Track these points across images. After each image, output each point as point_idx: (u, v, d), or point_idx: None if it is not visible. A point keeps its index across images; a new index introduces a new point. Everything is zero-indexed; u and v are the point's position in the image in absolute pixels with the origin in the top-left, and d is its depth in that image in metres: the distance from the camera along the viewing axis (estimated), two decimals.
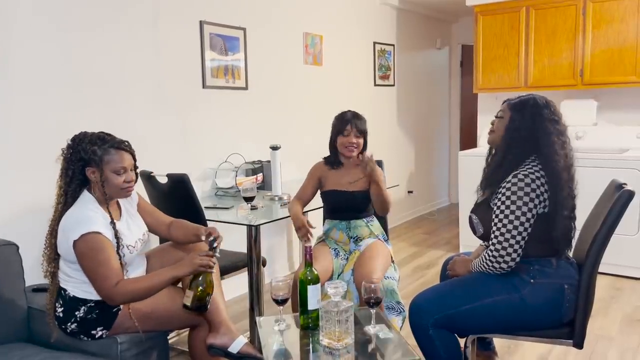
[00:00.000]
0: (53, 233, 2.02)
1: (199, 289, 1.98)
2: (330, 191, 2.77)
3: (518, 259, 1.99)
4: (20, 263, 2.23)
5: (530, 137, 2.03)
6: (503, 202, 1.98)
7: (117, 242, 2.01)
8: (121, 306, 2.03)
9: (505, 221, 1.96)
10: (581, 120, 4.49)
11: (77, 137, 2.03)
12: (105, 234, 1.97)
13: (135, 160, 2.10)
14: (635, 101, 4.50)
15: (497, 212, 1.99)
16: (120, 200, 2.17)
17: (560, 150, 2.00)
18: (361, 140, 2.72)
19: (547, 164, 1.99)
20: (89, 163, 1.99)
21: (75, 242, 1.92)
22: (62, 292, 2.04)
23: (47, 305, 2.07)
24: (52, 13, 2.74)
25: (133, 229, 2.16)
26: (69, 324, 2.01)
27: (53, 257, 2.03)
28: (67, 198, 2.00)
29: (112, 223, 2.02)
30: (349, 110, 2.76)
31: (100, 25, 2.97)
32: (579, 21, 4.36)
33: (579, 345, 2.05)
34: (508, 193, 1.97)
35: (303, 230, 2.61)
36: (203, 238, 2.19)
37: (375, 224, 2.80)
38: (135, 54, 3.17)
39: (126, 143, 2.07)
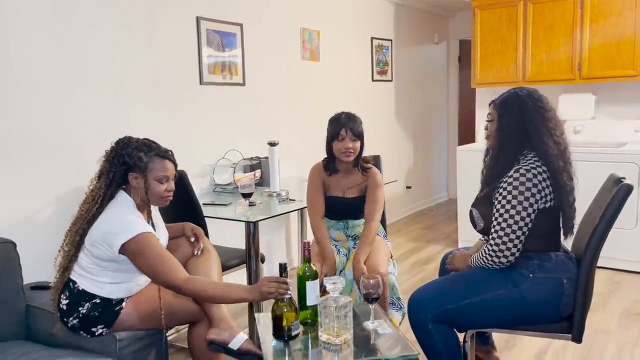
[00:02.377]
0: (79, 231, 2.00)
1: (280, 314, 1.91)
2: (331, 197, 2.74)
3: (517, 254, 1.99)
4: (18, 261, 2.22)
5: (520, 130, 2.03)
6: (504, 197, 1.97)
7: None
8: (123, 304, 2.03)
9: (505, 216, 1.96)
10: (579, 115, 4.48)
11: (121, 140, 2.06)
12: (153, 233, 2.01)
13: (176, 169, 2.13)
14: (633, 95, 4.50)
15: (498, 206, 1.99)
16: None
17: (548, 139, 2.00)
18: (357, 144, 2.63)
19: (541, 154, 2.00)
20: (132, 168, 2.01)
21: (124, 244, 1.92)
22: (71, 284, 2.04)
23: (51, 297, 2.07)
24: (46, 9, 2.73)
25: (161, 234, 2.19)
26: (71, 318, 2.01)
27: (73, 253, 2.03)
28: (103, 200, 2.00)
29: (153, 228, 2.06)
30: (343, 113, 2.67)
31: (94, 22, 2.95)
32: (577, 15, 4.35)
33: (577, 339, 2.05)
34: (510, 188, 1.96)
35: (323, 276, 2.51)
36: (189, 235, 2.31)
37: None
38: (131, 51, 3.15)
39: (170, 152, 2.10)
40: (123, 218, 1.97)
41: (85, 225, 1.99)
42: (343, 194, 2.71)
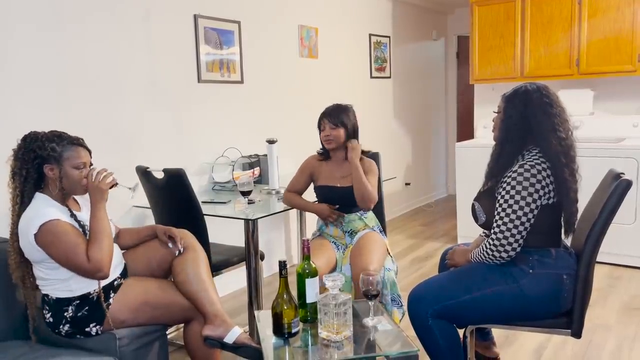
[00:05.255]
0: (14, 237, 1.99)
1: (279, 311, 1.92)
2: (322, 186, 2.78)
3: (518, 249, 1.99)
4: None
5: (524, 123, 2.03)
6: (508, 192, 1.97)
7: (83, 231, 2.01)
8: (111, 300, 2.03)
9: (508, 210, 1.96)
10: (578, 110, 4.48)
11: (28, 136, 2.01)
12: (64, 219, 1.95)
13: (91, 156, 2.09)
14: (632, 90, 4.50)
15: (501, 201, 1.99)
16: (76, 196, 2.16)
17: (551, 134, 1.99)
18: (338, 132, 2.69)
19: (544, 150, 2.00)
20: (47, 160, 1.97)
21: (35, 235, 1.90)
22: (45, 297, 2.03)
23: (28, 309, 2.06)
24: (42, 7, 2.72)
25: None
26: (61, 326, 2.00)
27: (19, 260, 2.00)
28: (23, 198, 1.97)
29: (73, 215, 2.02)
30: (333, 104, 2.77)
31: (91, 20, 2.95)
32: (575, 10, 4.35)
33: (577, 334, 2.05)
34: (513, 183, 1.96)
35: (334, 216, 2.69)
36: (163, 240, 2.22)
37: (369, 215, 2.79)
38: (128, 49, 3.15)
39: (82, 139, 2.07)
40: (32, 212, 1.93)
41: (16, 229, 1.96)
42: (339, 184, 2.73)
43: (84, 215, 2.09)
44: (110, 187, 2.05)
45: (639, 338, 2.90)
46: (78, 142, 2.04)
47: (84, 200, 2.18)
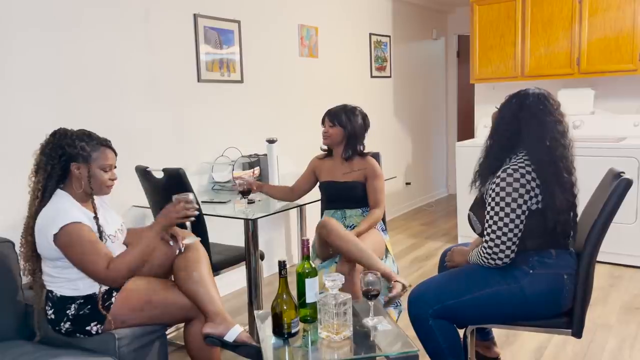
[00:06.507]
0: (29, 230, 1.99)
1: (279, 311, 1.92)
2: (325, 182, 2.83)
3: (513, 255, 1.97)
4: (16, 260, 2.21)
5: (514, 125, 2.01)
6: (493, 199, 1.96)
7: (100, 235, 2.02)
8: (113, 300, 2.03)
9: (495, 218, 1.95)
10: (578, 109, 4.48)
11: (58, 132, 2.02)
12: (85, 222, 1.96)
13: (116, 158, 2.10)
14: (632, 89, 4.49)
15: (489, 208, 1.98)
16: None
17: (542, 144, 1.96)
18: (334, 130, 2.75)
19: (531, 156, 1.97)
20: (75, 158, 1.98)
21: (55, 235, 1.90)
22: (49, 294, 2.04)
23: (34, 304, 2.06)
24: (42, 7, 2.72)
25: (109, 220, 2.16)
26: (62, 323, 2.00)
27: (30, 254, 2.01)
28: (44, 193, 1.97)
29: (96, 217, 2.03)
30: (341, 104, 2.83)
31: (91, 20, 2.94)
32: (575, 9, 4.34)
33: (577, 334, 2.04)
34: (497, 189, 1.95)
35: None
36: (165, 238, 2.22)
37: None
38: (128, 49, 3.14)
39: (109, 141, 2.08)
40: (57, 208, 1.94)
41: (32, 223, 1.97)
42: (341, 179, 2.79)
43: (101, 218, 2.09)
44: (180, 221, 2.06)
45: (639, 338, 2.89)
46: (106, 144, 2.06)
47: (100, 201, 2.18)
